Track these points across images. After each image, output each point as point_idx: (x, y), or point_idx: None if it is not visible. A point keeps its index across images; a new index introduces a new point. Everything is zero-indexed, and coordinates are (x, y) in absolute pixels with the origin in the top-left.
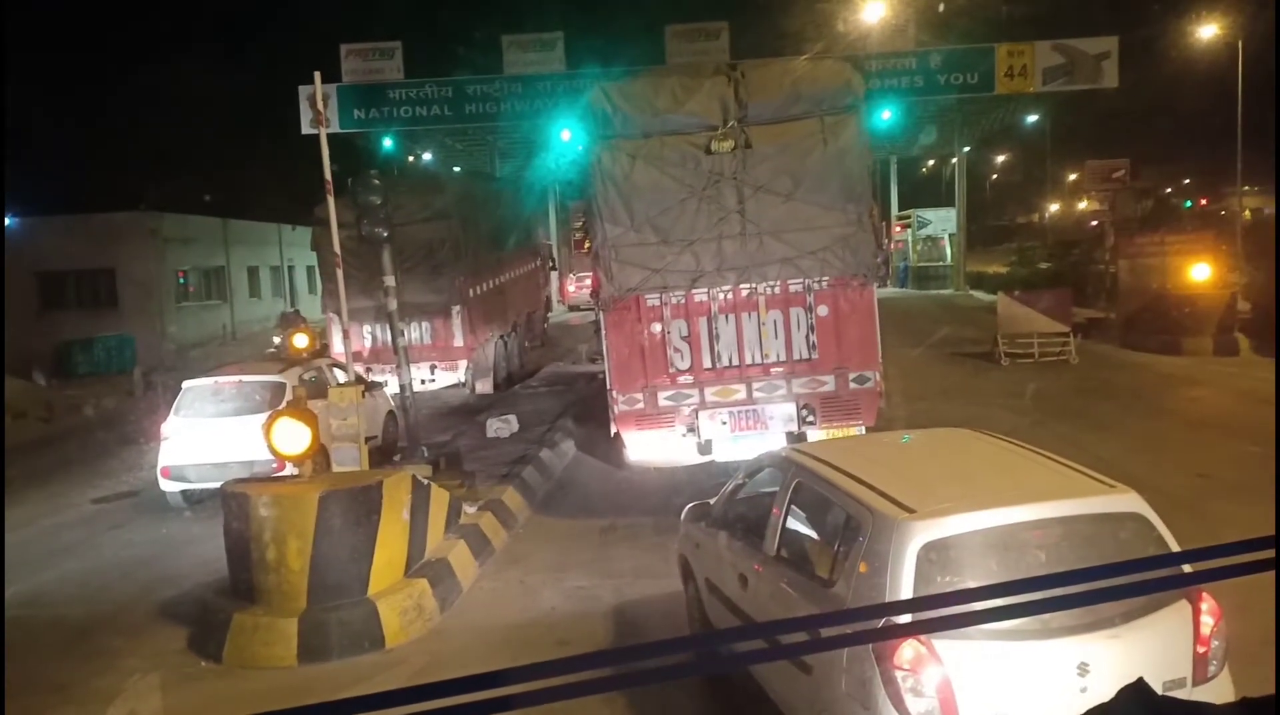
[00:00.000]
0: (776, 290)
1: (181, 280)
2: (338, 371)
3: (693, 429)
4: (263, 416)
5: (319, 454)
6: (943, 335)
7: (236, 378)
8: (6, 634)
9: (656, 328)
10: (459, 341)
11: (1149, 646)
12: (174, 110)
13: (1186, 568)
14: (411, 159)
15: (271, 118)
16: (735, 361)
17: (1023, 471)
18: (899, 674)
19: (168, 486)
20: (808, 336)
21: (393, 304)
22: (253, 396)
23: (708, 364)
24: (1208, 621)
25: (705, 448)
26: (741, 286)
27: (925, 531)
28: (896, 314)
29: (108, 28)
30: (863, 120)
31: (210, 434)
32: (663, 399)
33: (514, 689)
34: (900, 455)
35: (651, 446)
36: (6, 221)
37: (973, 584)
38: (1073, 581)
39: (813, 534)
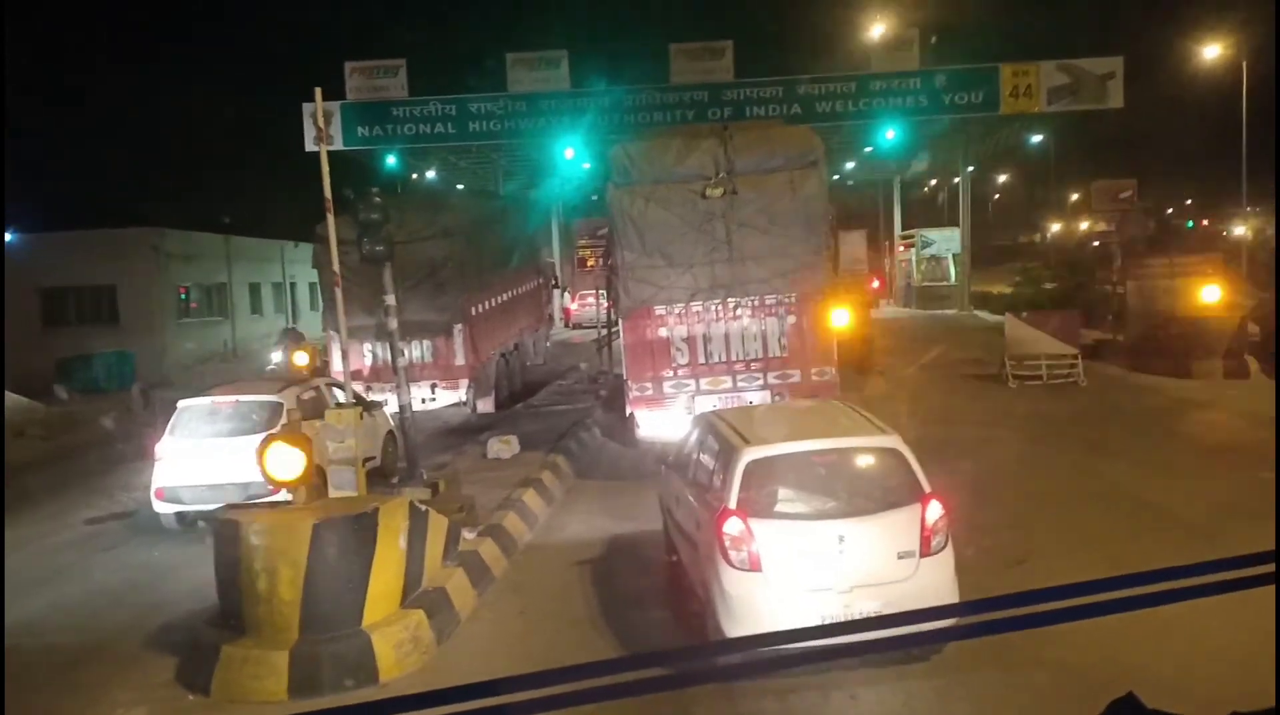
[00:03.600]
0: (756, 303)
1: (183, 296)
2: (337, 391)
3: (690, 411)
4: (259, 437)
5: (315, 477)
6: (949, 356)
7: (233, 397)
8: None
9: (663, 332)
10: (460, 360)
11: (886, 529)
12: (178, 127)
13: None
14: (415, 177)
15: (275, 135)
16: (723, 358)
17: (835, 423)
18: (726, 538)
19: (162, 508)
20: (780, 340)
21: (393, 323)
22: (249, 417)
23: (702, 360)
24: (931, 515)
25: None
26: (729, 300)
27: (751, 453)
28: (901, 335)
29: (112, 43)
30: (823, 172)
31: (205, 455)
32: (666, 387)
33: (512, 698)
34: (769, 414)
35: (657, 424)
36: (8, 237)
37: (780, 488)
38: (1061, 596)
39: (707, 462)
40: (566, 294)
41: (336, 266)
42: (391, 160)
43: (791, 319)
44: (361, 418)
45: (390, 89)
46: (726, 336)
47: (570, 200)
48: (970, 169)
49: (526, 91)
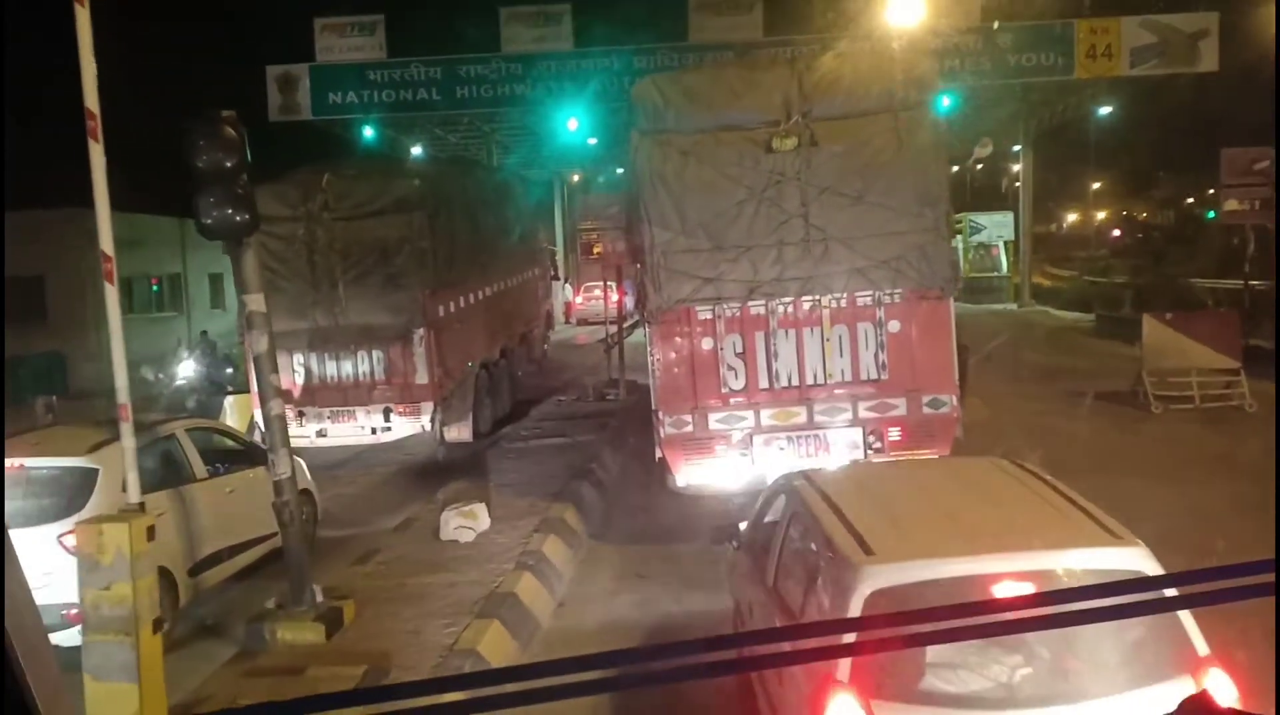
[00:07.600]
0: (843, 303)
1: (155, 288)
2: (222, 437)
3: (746, 455)
4: (56, 527)
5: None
6: (1045, 365)
7: (17, 462)
8: None
9: (708, 343)
10: (423, 377)
11: None
12: (123, 94)
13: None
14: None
15: (237, 104)
16: (795, 381)
17: (1023, 514)
18: None
19: None
20: (876, 355)
21: (262, 343)
22: (43, 493)
23: (764, 384)
24: (1219, 700)
25: (760, 477)
26: (804, 298)
27: (876, 577)
28: (968, 337)
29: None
30: (938, 116)
31: None
32: (714, 422)
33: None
34: (902, 490)
35: (701, 473)
36: None
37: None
38: (1048, 603)
39: (798, 572)
40: (569, 286)
41: (107, 244)
42: (369, 133)
43: (895, 326)
44: (150, 538)
45: (366, 49)
46: (800, 351)
47: (573, 180)
48: (1015, 148)
49: (523, 52)
